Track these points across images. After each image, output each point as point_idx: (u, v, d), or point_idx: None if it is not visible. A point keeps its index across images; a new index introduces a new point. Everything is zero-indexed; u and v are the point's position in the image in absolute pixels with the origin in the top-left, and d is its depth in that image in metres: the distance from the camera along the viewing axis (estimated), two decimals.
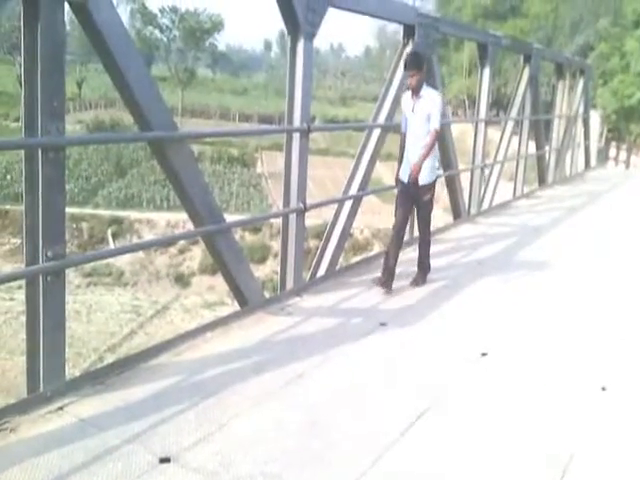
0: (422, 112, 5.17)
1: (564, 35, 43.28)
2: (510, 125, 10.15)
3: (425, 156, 5.19)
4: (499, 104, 39.08)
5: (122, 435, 2.93)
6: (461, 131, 36.97)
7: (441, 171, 5.39)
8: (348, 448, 2.99)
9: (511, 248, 7.32)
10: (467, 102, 51.26)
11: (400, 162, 5.44)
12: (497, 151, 9.96)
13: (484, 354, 4.20)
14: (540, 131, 11.61)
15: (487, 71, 8.79)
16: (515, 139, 10.48)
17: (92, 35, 3.52)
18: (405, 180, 5.33)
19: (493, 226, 8.47)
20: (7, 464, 2.67)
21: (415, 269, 5.68)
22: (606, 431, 3.31)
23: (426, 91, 5.23)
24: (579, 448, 3.12)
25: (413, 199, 5.40)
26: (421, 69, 5.13)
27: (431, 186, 5.33)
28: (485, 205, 9.42)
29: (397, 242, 5.43)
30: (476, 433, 3.22)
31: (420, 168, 5.19)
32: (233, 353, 3.96)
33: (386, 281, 5.35)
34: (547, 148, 12.40)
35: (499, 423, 3.33)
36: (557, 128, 12.74)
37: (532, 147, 11.52)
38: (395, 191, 5.65)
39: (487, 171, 9.54)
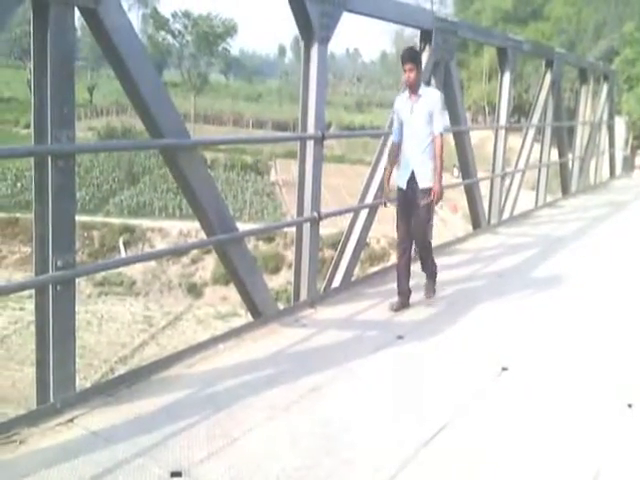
0: (422, 112, 4.92)
1: (587, 39, 43.11)
2: (532, 132, 10.11)
3: (440, 171, 4.97)
4: (520, 110, 38.98)
5: (133, 448, 2.95)
6: (481, 138, 36.94)
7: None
8: (363, 465, 2.98)
9: (533, 260, 7.27)
10: (487, 108, 51.15)
11: (388, 176, 5.27)
12: (518, 159, 9.91)
13: (505, 369, 4.17)
14: (563, 138, 11.55)
15: (507, 76, 8.77)
16: (537, 146, 10.44)
17: (102, 41, 3.56)
18: (403, 187, 5.11)
19: (514, 236, 8.43)
20: (16, 477, 2.70)
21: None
22: (633, 448, 3.28)
23: (425, 90, 5.03)
24: (605, 465, 3.09)
25: (413, 207, 5.12)
26: (419, 64, 4.93)
27: (430, 190, 5.04)
28: (506, 214, 9.38)
29: (406, 261, 5.22)
30: (497, 451, 3.19)
31: (441, 188, 4.99)
32: (246, 365, 3.97)
33: (403, 304, 5.21)
34: (570, 156, 12.33)
35: (521, 440, 3.30)
36: (580, 135, 12.67)
37: (554, 155, 11.46)
38: None
39: (508, 179, 9.50)
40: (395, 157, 5.22)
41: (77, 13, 3.31)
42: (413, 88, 4.93)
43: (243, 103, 76.35)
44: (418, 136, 4.97)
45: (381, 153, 6.35)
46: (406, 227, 5.15)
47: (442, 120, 4.98)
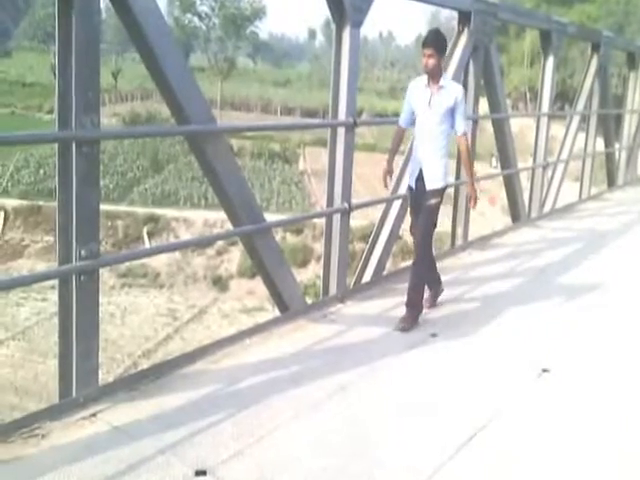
0: (442, 107, 4.58)
1: (637, 22, 42.21)
2: (576, 120, 9.96)
3: (470, 171, 4.89)
4: (564, 97, 38.36)
5: (156, 445, 2.99)
6: (521, 126, 36.48)
7: (452, 179, 4.97)
8: (394, 468, 2.98)
9: (576, 255, 7.17)
10: (528, 95, 50.48)
11: (389, 164, 4.86)
12: (561, 148, 9.78)
13: (545, 370, 4.12)
14: (609, 127, 11.34)
15: (551, 61, 8.64)
16: (581, 135, 10.27)
17: (128, 23, 3.59)
18: (413, 186, 4.82)
19: (556, 230, 8.32)
20: (38, 472, 2.75)
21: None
22: None
23: (448, 81, 4.68)
24: None
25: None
26: (441, 51, 4.55)
27: (440, 192, 4.75)
28: (547, 207, 9.27)
29: (429, 265, 4.92)
30: (535, 457, 3.16)
31: (474, 191, 4.85)
32: (272, 362, 3.99)
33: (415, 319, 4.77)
34: (617, 146, 12.11)
35: (562, 444, 3.27)
36: (628, 124, 12.41)
37: (600, 144, 11.26)
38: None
39: (550, 170, 9.37)
40: (397, 144, 4.92)
41: None
42: (433, 76, 4.58)
43: (271, 89, 76.46)
44: (433, 133, 4.64)
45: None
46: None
47: (465, 118, 4.67)
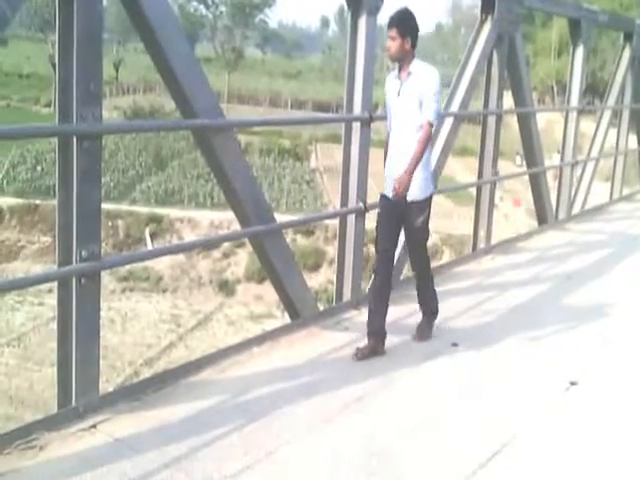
0: (412, 96, 4.11)
1: None
2: (607, 115, 9.90)
3: (415, 162, 4.07)
4: (594, 90, 38.16)
5: (160, 458, 3.00)
6: (548, 121, 36.32)
7: (432, 188, 4.35)
8: None
9: (606, 260, 7.13)
10: (556, 88, 50.27)
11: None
12: (591, 145, 9.72)
13: (573, 383, 4.10)
14: None
15: (580, 52, 8.60)
16: (613, 132, 10.21)
17: (132, 11, 3.61)
18: (389, 194, 4.25)
19: (585, 234, 8.28)
20: None
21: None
22: None
23: (418, 66, 4.17)
24: None
25: (399, 222, 4.31)
26: (407, 33, 4.10)
27: (425, 204, 4.26)
28: (576, 209, 9.22)
29: (383, 289, 4.36)
30: (561, 474, 3.15)
31: (408, 180, 4.06)
32: (282, 372, 4.00)
33: (374, 348, 4.26)
34: None
35: (588, 460, 3.25)
36: None
37: (633, 141, 11.19)
38: (472, 191, 5.52)
39: (579, 169, 9.32)
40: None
41: None
42: (401, 63, 4.18)
43: (281, 81, 76.57)
44: (406, 128, 4.17)
45: (435, 137, 6.29)
46: (387, 243, 4.31)
47: (435, 106, 4.11)
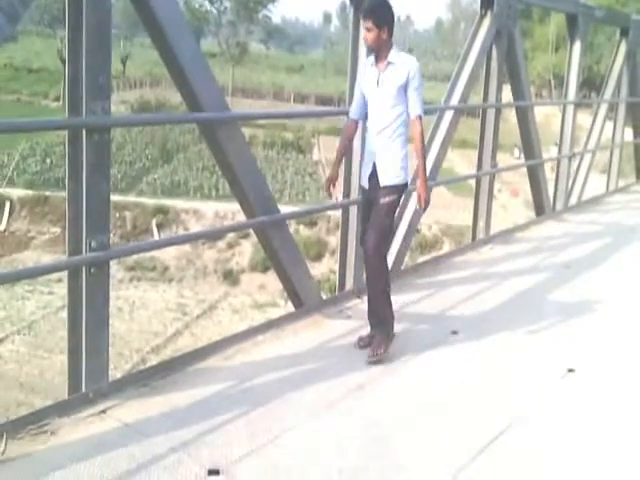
0: (392, 86, 3.96)
1: None
2: (603, 108, 9.86)
3: (423, 159, 4.06)
4: (590, 84, 38.03)
5: (168, 443, 3.00)
6: (546, 114, 36.21)
7: (406, 178, 4.10)
8: (416, 470, 2.98)
9: (603, 250, 7.12)
10: (553, 82, 50.08)
11: (335, 169, 4.28)
12: (588, 138, 9.69)
13: (571, 370, 4.10)
14: (639, 116, 11.23)
15: (577, 46, 8.56)
16: (609, 125, 10.17)
17: (139, 6, 3.60)
18: (366, 184, 4.18)
19: (582, 224, 8.27)
20: (47, 469, 2.78)
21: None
22: None
23: (398, 55, 4.01)
24: None
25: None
26: (383, 23, 3.93)
27: (395, 189, 4.06)
28: (573, 200, 9.21)
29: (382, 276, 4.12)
30: (560, 458, 3.15)
31: (425, 181, 4.06)
32: (286, 359, 4.00)
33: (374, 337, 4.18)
34: None
35: (585, 445, 3.26)
36: None
37: (629, 134, 11.16)
38: (471, 183, 5.52)
39: (576, 161, 9.30)
40: (348, 139, 4.36)
41: None
42: (378, 53, 4.03)
43: (284, 75, 76.32)
44: (385, 118, 4.02)
45: (436, 130, 6.29)
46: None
47: (421, 98, 4.03)
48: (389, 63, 3.99)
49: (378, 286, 4.10)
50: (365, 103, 4.15)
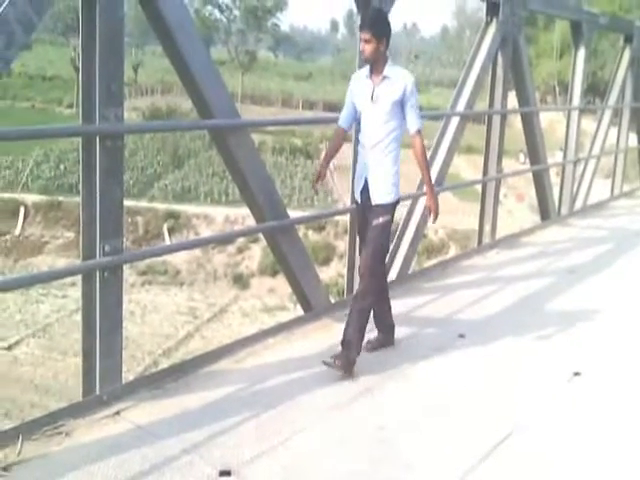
0: (387, 101, 3.85)
1: None
2: (608, 114, 9.83)
3: (428, 174, 4.06)
4: (595, 90, 37.94)
5: (180, 444, 3.01)
6: (550, 120, 36.10)
7: (397, 196, 3.98)
8: (424, 472, 2.97)
9: (608, 255, 7.08)
10: (557, 88, 49.97)
11: (323, 169, 4.19)
12: (592, 144, 9.67)
13: (577, 374, 4.08)
14: None
15: (582, 53, 8.55)
16: (613, 130, 10.14)
17: (152, 15, 3.62)
18: (359, 199, 4.09)
19: (587, 229, 8.24)
20: (62, 470, 2.78)
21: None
22: None
23: (394, 70, 3.90)
24: None
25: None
26: (382, 34, 3.83)
27: (388, 208, 3.95)
28: (578, 205, 9.18)
29: (380, 302, 4.15)
30: (567, 461, 3.13)
31: (433, 194, 4.03)
32: (296, 362, 4.00)
33: (382, 341, 4.24)
34: None
35: (592, 448, 3.24)
36: None
37: (633, 139, 11.12)
38: (477, 188, 5.50)
39: (580, 166, 9.27)
40: (335, 148, 4.22)
41: None
42: (374, 65, 3.90)
43: (292, 82, 76.47)
44: (377, 133, 3.91)
45: (442, 136, 6.28)
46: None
47: (418, 112, 3.93)
48: (384, 77, 3.88)
49: (358, 305, 3.92)
50: (355, 112, 4.05)
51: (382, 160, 3.93)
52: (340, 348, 3.87)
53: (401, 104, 3.87)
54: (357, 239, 4.34)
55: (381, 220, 3.91)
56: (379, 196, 3.94)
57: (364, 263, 3.93)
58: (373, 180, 3.96)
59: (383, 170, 3.94)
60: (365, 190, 4.00)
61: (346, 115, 4.11)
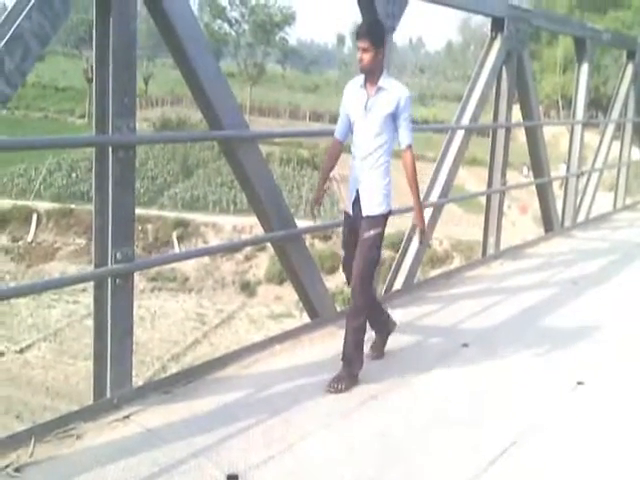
0: (380, 113, 3.76)
1: None
2: (611, 128, 9.84)
3: (417, 190, 3.95)
4: (597, 105, 37.92)
5: (189, 448, 3.01)
6: (554, 134, 36.08)
7: (388, 207, 3.91)
8: (431, 479, 2.96)
9: (611, 267, 7.06)
10: (561, 102, 49.97)
11: (319, 190, 4.18)
12: (595, 157, 9.66)
13: (580, 383, 4.07)
14: None
15: (585, 68, 8.56)
16: (616, 144, 10.14)
17: (163, 28, 3.64)
18: (350, 211, 3.99)
19: (590, 241, 8.22)
20: (73, 473, 2.79)
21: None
22: None
23: (389, 82, 3.80)
24: None
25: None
26: (379, 44, 3.73)
27: (379, 220, 3.86)
28: (581, 217, 9.16)
29: (372, 312, 4.09)
30: (570, 470, 3.12)
31: (421, 211, 4.01)
32: (302, 369, 4.00)
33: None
34: None
35: (596, 458, 3.22)
36: None
37: (636, 153, 11.10)
38: (482, 200, 5.50)
39: (584, 179, 9.26)
40: (332, 159, 4.15)
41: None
42: (370, 75, 3.78)
43: (300, 94, 76.64)
44: (368, 145, 3.82)
45: (447, 149, 6.29)
46: (352, 261, 3.93)
47: (411, 127, 3.85)
48: (379, 88, 3.78)
49: (353, 322, 3.88)
50: (349, 124, 3.95)
51: (373, 172, 3.85)
52: (340, 366, 3.84)
53: (393, 117, 3.78)
54: (344, 254, 4.07)
55: (372, 232, 3.83)
56: (370, 208, 3.86)
57: (356, 277, 3.83)
58: (364, 192, 3.88)
59: (374, 182, 3.86)
60: (357, 202, 3.92)
61: (341, 126, 4.03)
